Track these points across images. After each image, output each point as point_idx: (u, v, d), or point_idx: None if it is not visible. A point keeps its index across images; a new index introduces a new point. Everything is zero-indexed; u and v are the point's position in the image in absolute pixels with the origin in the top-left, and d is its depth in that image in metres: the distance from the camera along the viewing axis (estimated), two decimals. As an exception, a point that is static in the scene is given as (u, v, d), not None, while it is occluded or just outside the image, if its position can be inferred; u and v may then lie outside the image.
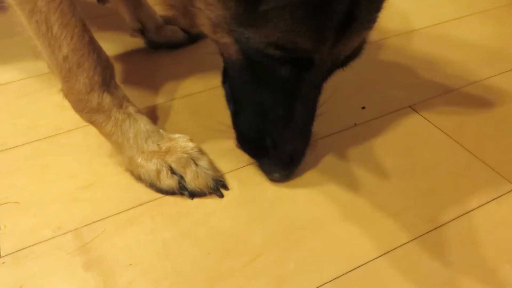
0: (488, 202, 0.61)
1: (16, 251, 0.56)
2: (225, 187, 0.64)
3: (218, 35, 0.53)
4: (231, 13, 0.49)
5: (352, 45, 0.53)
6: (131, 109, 0.64)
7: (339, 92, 0.81)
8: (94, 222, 0.60)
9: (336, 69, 0.56)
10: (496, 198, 0.62)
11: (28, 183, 0.65)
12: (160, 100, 0.81)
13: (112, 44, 0.95)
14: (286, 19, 0.47)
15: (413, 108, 0.78)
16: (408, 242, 0.56)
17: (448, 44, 0.98)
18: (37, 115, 0.78)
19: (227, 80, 0.64)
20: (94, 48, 0.60)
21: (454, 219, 0.59)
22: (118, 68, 0.68)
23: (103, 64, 0.61)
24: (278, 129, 0.58)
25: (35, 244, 0.57)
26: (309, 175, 0.66)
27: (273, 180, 0.64)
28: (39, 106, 0.80)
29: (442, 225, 0.58)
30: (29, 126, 0.75)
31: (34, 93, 0.83)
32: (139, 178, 0.64)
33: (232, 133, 0.64)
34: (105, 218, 0.60)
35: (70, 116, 0.75)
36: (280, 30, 0.48)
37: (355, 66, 0.86)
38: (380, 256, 0.55)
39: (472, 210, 0.60)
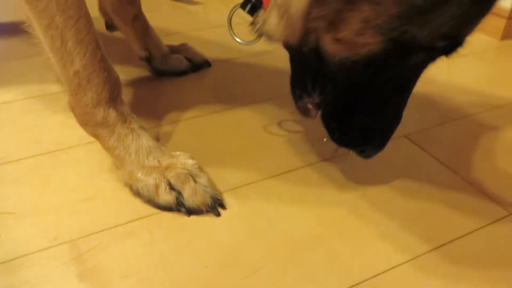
0: (485, 226, 0.62)
1: (10, 260, 0.56)
2: (223, 206, 0.64)
3: (365, 36, 0.50)
4: (400, 11, 0.46)
5: None
6: (134, 124, 0.66)
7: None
8: (91, 234, 0.60)
9: None
10: (491, 222, 0.63)
11: (28, 194, 0.66)
12: (163, 122, 0.83)
13: (118, 71, 0.98)
14: (456, 7, 0.46)
15: (408, 137, 0.80)
16: (408, 260, 0.57)
17: (443, 81, 1.02)
18: (41, 131, 0.79)
19: (328, 86, 0.61)
20: (105, 66, 0.63)
21: (449, 242, 0.59)
22: (124, 94, 0.70)
23: (112, 82, 0.64)
24: (391, 114, 0.59)
25: (30, 253, 0.57)
26: (309, 194, 0.67)
27: (368, 157, 0.64)
28: (43, 122, 0.81)
29: (441, 246, 0.59)
30: (33, 141, 0.76)
31: (38, 111, 0.85)
32: (137, 193, 0.65)
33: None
34: (102, 230, 0.60)
35: (72, 133, 0.77)
36: (452, 19, 0.46)
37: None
38: (379, 274, 0.55)
39: (466, 234, 0.61)
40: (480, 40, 1.21)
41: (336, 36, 0.52)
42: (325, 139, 0.66)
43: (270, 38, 0.59)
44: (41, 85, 0.92)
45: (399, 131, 0.81)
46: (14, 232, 0.60)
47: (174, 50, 1.00)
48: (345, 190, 0.68)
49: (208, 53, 1.06)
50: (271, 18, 0.57)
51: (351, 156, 0.74)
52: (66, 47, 0.59)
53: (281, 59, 1.09)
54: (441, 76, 1.03)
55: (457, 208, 0.65)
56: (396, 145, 0.78)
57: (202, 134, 0.80)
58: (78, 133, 0.74)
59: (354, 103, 0.59)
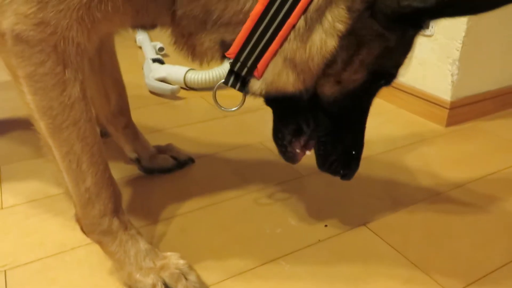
0: (429, 307, 0.74)
1: None
2: (210, 299, 0.75)
3: (357, 73, 0.68)
4: (380, 52, 0.66)
5: None
6: (133, 231, 0.77)
7: (305, 210, 0.97)
8: (95, 332, 0.68)
9: None
10: (435, 303, 0.75)
11: (37, 297, 0.75)
12: (153, 220, 0.94)
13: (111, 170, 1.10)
14: (405, 47, 0.71)
15: (367, 225, 0.93)
16: None
17: (399, 167, 1.17)
18: (44, 234, 0.89)
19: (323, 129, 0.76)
20: (112, 182, 0.74)
21: (402, 323, 0.71)
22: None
23: (116, 194, 0.75)
24: (361, 139, 0.81)
25: None
26: (282, 284, 0.78)
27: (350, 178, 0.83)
28: (45, 225, 0.91)
29: (392, 328, 0.70)
30: (37, 244, 0.86)
31: (40, 213, 0.95)
32: (135, 292, 0.75)
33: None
34: (105, 328, 0.69)
35: (73, 235, 0.87)
36: (401, 55, 0.71)
37: (322, 189, 1.03)
38: None
39: (416, 314, 0.72)
40: (428, 126, 1.40)
41: (338, 79, 0.69)
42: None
43: (276, 92, 0.70)
44: (41, 188, 1.03)
45: (359, 220, 0.95)
46: (26, 334, 0.68)
47: (160, 150, 1.13)
48: (312, 278, 0.79)
49: (191, 149, 1.20)
50: (282, 77, 0.68)
51: (316, 249, 0.86)
52: (81, 168, 0.70)
53: (254, 152, 1.23)
54: (399, 162, 1.19)
55: (407, 291, 0.77)
56: (356, 234, 0.91)
57: (190, 231, 0.91)
58: (78, 235, 0.84)
59: (343, 130, 0.76)
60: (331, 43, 0.64)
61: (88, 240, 0.82)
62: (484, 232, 0.93)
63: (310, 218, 0.95)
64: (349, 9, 0.62)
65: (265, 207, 0.99)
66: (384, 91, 1.62)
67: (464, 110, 1.42)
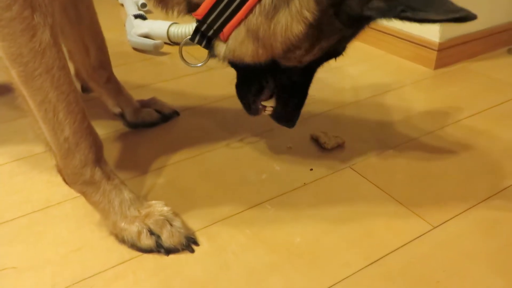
0: (412, 240, 0.75)
1: (15, 309, 0.65)
2: (196, 243, 0.75)
3: (316, 55, 0.73)
4: (337, 40, 0.72)
5: None
6: (117, 181, 0.76)
7: (291, 157, 0.97)
8: (84, 279, 0.70)
9: None
10: (418, 236, 0.76)
11: (24, 250, 0.75)
12: (140, 172, 0.93)
13: (96, 126, 1.09)
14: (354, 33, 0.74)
15: (352, 167, 0.93)
16: (349, 276, 0.69)
17: (386, 110, 1.16)
18: (30, 191, 0.89)
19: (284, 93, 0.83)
20: (91, 131, 0.73)
21: (384, 256, 0.72)
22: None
23: (97, 145, 0.74)
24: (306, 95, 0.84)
25: (32, 302, 0.66)
26: (266, 227, 0.79)
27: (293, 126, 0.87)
28: (31, 183, 0.91)
29: (376, 261, 0.71)
30: (23, 201, 0.86)
31: (26, 172, 0.95)
32: (122, 240, 0.75)
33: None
34: (94, 275, 0.70)
35: (59, 191, 0.87)
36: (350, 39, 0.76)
37: (306, 132, 1.03)
38: (326, 290, 0.67)
39: (397, 249, 0.74)
40: (417, 70, 1.38)
41: (300, 60, 0.73)
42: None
43: (237, 60, 0.74)
44: (26, 147, 1.02)
45: (345, 163, 0.95)
46: (16, 284, 0.69)
47: (144, 104, 1.11)
48: (297, 220, 0.80)
49: (176, 102, 1.18)
50: (244, 46, 0.70)
51: (301, 192, 0.87)
52: (58, 118, 0.68)
53: (239, 103, 1.21)
54: (388, 104, 1.18)
55: (390, 226, 0.78)
56: (342, 175, 0.91)
57: (177, 181, 0.91)
58: (64, 190, 0.85)
59: (296, 88, 0.83)
60: (298, 27, 0.66)
61: (74, 194, 0.82)
62: (467, 169, 0.93)
63: (296, 163, 0.95)
64: (317, 1, 0.64)
65: (250, 155, 0.99)
66: (371, 37, 1.59)
67: (453, 52, 1.39)
